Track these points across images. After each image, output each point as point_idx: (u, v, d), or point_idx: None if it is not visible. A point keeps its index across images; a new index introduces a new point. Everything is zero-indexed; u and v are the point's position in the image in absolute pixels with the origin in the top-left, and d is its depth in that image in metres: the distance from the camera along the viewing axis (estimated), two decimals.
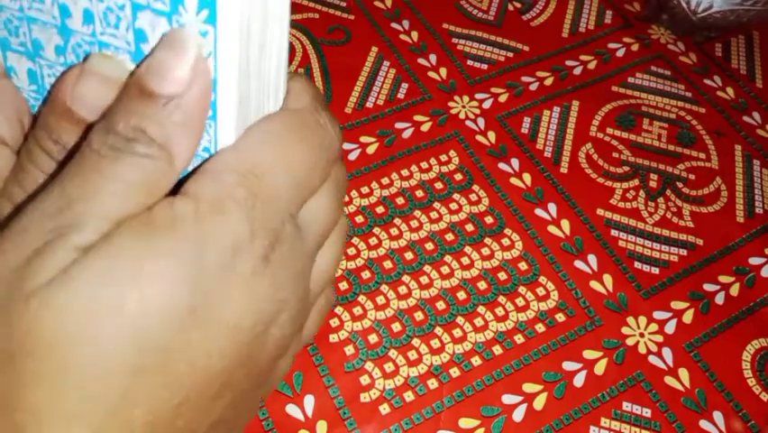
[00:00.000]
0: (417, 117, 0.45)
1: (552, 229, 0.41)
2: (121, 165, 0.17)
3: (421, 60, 0.48)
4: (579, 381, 0.36)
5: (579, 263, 0.40)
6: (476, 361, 0.36)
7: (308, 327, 0.22)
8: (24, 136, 0.21)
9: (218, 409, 0.19)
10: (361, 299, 0.37)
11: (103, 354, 0.16)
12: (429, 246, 0.39)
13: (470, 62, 0.48)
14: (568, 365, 0.36)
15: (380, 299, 0.37)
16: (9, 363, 0.16)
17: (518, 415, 0.34)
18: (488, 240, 0.40)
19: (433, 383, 0.35)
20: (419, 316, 0.37)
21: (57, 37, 0.21)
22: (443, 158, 0.43)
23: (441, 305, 0.37)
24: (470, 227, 0.40)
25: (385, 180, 0.42)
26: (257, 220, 0.18)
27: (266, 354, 0.19)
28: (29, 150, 0.19)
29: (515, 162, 0.44)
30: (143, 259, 0.16)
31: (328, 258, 0.22)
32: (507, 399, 0.35)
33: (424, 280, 0.38)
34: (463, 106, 0.46)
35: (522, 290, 0.38)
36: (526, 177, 0.43)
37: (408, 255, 0.39)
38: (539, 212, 0.42)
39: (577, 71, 0.49)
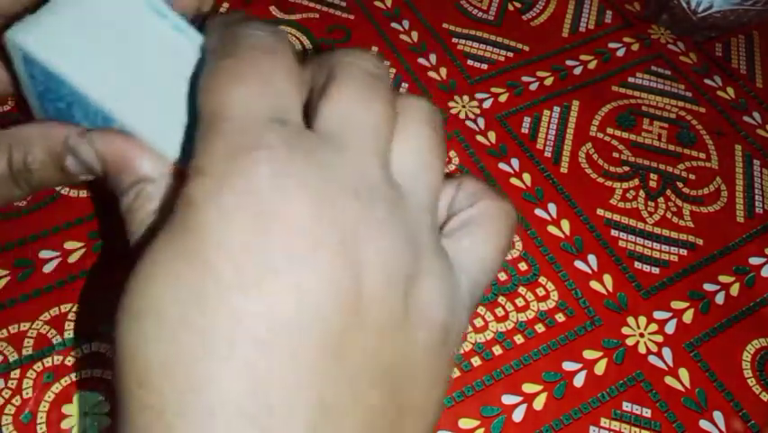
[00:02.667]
0: None
1: (551, 229, 0.41)
2: None
3: (421, 60, 0.48)
4: (579, 381, 0.36)
5: (579, 263, 0.40)
6: (476, 361, 0.36)
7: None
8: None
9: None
10: None
11: None
12: None
13: (470, 62, 0.48)
14: (568, 365, 0.36)
15: None
16: None
17: (518, 415, 0.34)
18: None
19: None
20: None
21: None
22: None
23: None
24: None
25: None
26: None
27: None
28: None
29: (515, 162, 0.44)
30: None
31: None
32: (507, 399, 0.35)
33: None
34: (463, 106, 0.46)
35: (522, 290, 0.38)
36: (526, 177, 0.43)
37: None
38: (539, 212, 0.42)
39: (577, 71, 0.49)
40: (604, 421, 0.35)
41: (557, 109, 0.47)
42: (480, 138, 0.44)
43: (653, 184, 0.44)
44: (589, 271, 0.39)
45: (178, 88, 0.24)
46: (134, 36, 0.24)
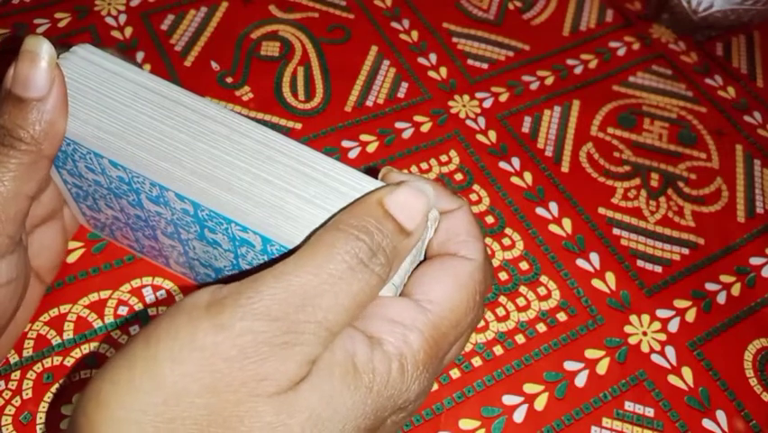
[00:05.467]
0: (417, 118, 0.45)
1: (553, 228, 0.41)
2: (360, 284, 0.20)
3: (421, 60, 0.48)
4: (580, 381, 0.35)
5: (581, 262, 0.39)
6: (476, 361, 0.36)
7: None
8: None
9: None
10: None
11: None
12: None
13: (470, 61, 0.48)
14: (569, 365, 0.36)
15: None
16: None
17: (519, 416, 0.34)
18: (488, 240, 0.40)
19: (433, 385, 0.35)
20: None
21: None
22: (444, 158, 0.43)
23: None
24: None
25: None
26: (425, 382, 0.22)
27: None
28: None
29: (515, 162, 0.43)
30: (345, 409, 0.20)
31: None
32: (508, 399, 0.35)
33: None
34: (464, 106, 0.46)
35: (523, 289, 0.38)
36: (527, 176, 0.43)
37: None
38: (540, 211, 0.41)
39: (578, 70, 0.49)
40: (606, 421, 0.34)
41: (558, 108, 0.47)
42: (480, 137, 0.44)
43: (654, 183, 0.44)
44: (592, 270, 0.39)
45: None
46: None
